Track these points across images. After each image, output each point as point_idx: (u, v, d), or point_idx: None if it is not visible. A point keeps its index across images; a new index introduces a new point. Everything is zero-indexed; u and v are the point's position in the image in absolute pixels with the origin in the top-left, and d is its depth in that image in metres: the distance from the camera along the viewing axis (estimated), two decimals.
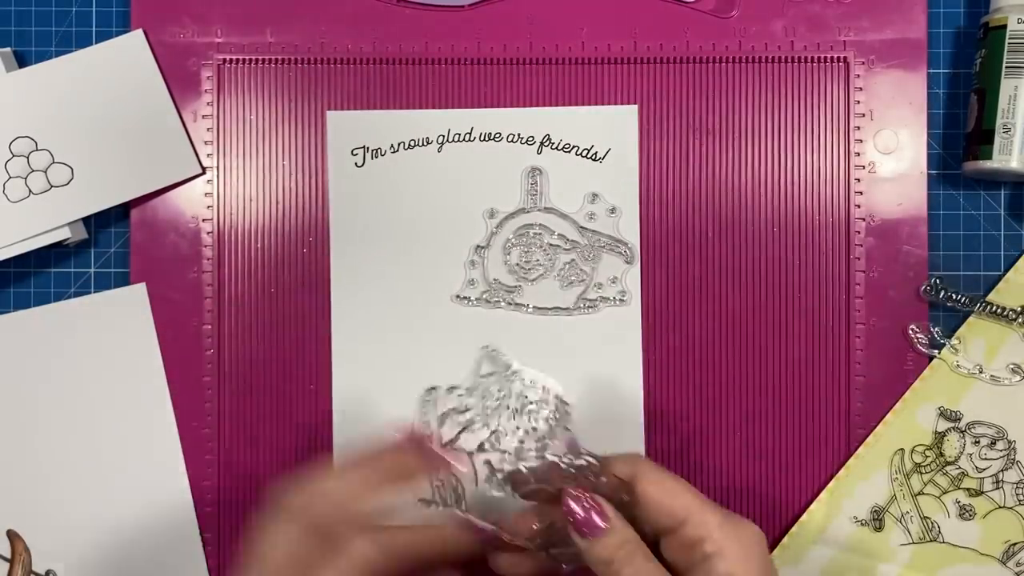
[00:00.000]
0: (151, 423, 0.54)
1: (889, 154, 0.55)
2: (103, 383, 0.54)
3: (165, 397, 0.54)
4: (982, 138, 0.52)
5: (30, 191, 0.53)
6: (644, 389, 0.54)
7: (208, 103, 0.55)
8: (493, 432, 0.42)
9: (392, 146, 0.55)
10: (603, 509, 0.39)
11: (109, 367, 0.54)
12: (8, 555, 0.53)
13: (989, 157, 0.52)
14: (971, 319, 0.54)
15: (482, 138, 0.55)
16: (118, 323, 0.54)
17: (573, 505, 0.39)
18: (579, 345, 0.54)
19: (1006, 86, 0.52)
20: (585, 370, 0.54)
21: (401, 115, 0.55)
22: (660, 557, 0.40)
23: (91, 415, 0.54)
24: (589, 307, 0.54)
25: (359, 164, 0.55)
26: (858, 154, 0.54)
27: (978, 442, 0.54)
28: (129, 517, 0.53)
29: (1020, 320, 0.53)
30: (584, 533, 0.39)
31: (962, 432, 0.54)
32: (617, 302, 0.54)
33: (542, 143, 0.55)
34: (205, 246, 0.55)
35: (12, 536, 0.53)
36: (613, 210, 0.54)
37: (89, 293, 0.55)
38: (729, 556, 0.38)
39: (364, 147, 0.55)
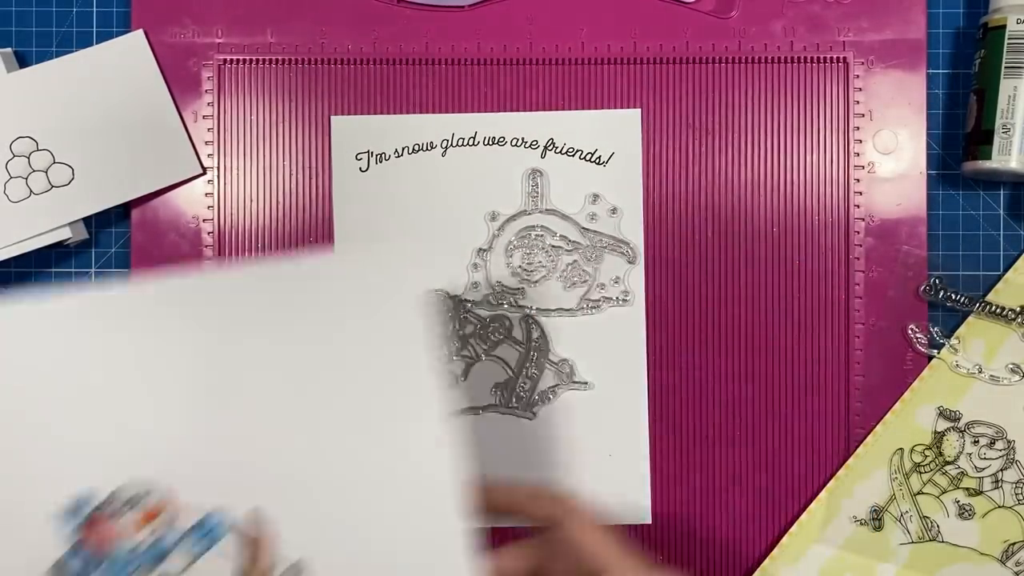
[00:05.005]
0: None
1: (888, 154, 0.55)
2: None
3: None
4: (981, 138, 0.53)
5: (31, 191, 0.54)
6: (647, 388, 0.54)
7: (208, 103, 0.55)
8: None
9: (396, 151, 0.55)
10: None
11: None
12: (249, 538, 0.44)
13: (988, 157, 0.52)
14: (970, 319, 0.54)
15: (486, 142, 0.55)
16: None
17: None
18: (583, 345, 0.54)
19: (1005, 86, 0.52)
20: (589, 370, 0.54)
21: (406, 120, 0.55)
22: None
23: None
24: (592, 308, 0.54)
25: (363, 169, 0.55)
26: (857, 154, 0.55)
27: (977, 442, 0.54)
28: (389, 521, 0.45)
29: (1019, 320, 0.53)
30: None
31: (961, 432, 0.54)
32: (620, 302, 0.54)
33: (546, 147, 0.55)
34: (205, 246, 0.55)
35: (254, 517, 0.44)
36: (614, 210, 0.54)
37: None
38: None
39: (368, 152, 0.55)
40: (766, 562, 0.54)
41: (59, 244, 0.54)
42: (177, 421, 0.43)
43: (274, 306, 0.44)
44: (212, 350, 0.43)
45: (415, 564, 0.44)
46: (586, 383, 0.54)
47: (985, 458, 0.54)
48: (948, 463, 0.54)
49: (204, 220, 0.55)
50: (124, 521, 0.43)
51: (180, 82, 0.55)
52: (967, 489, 0.53)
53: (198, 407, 0.43)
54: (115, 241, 0.56)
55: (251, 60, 0.55)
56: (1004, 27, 0.52)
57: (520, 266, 0.55)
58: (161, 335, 0.43)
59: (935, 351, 0.54)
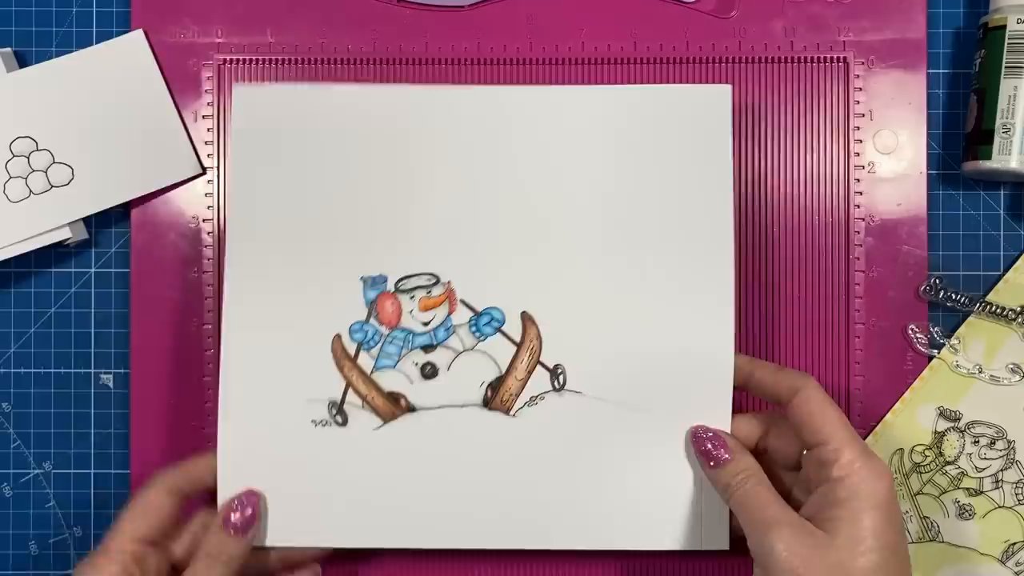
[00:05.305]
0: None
1: (889, 154, 0.55)
2: None
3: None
4: (981, 138, 0.53)
5: (30, 191, 0.54)
6: None
7: (208, 103, 0.55)
8: None
9: None
10: (726, 443, 0.47)
11: None
12: (518, 339, 0.49)
13: (988, 157, 0.52)
14: (971, 319, 0.54)
15: None
16: None
17: (701, 438, 0.47)
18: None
19: (1005, 86, 0.52)
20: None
21: None
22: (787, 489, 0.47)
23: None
24: None
25: None
26: (858, 154, 0.54)
27: (977, 442, 0.54)
28: (660, 341, 0.49)
29: (1020, 320, 0.53)
30: (710, 463, 0.47)
31: (961, 432, 0.54)
32: None
33: None
34: (205, 246, 0.55)
35: (526, 320, 0.49)
36: None
37: (89, 293, 0.55)
38: (852, 485, 0.42)
39: None
40: None
41: (59, 244, 0.54)
42: (468, 223, 0.49)
43: (593, 126, 0.49)
44: (520, 162, 0.49)
45: (678, 392, 0.49)
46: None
47: (985, 458, 0.53)
48: (948, 463, 0.54)
49: (204, 220, 0.55)
50: (410, 303, 0.49)
51: (180, 82, 0.55)
52: (967, 489, 0.53)
53: (489, 212, 0.49)
54: (115, 241, 0.56)
55: (251, 60, 0.55)
56: (1004, 27, 0.52)
57: None
58: (486, 142, 0.49)
59: (935, 351, 0.54)
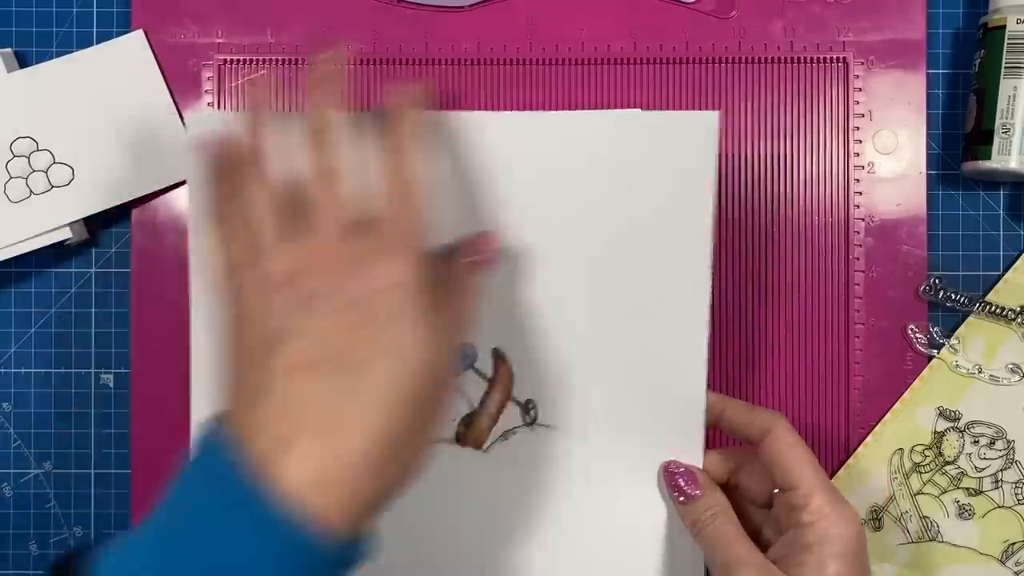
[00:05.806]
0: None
1: (888, 154, 0.55)
2: None
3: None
4: (981, 138, 0.53)
5: (31, 191, 0.54)
6: None
7: (208, 103, 0.55)
8: None
9: None
10: (697, 479, 0.46)
11: None
12: (490, 375, 0.49)
13: (988, 157, 0.52)
14: (970, 319, 0.54)
15: None
16: None
17: (672, 473, 0.47)
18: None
19: (1005, 86, 0.52)
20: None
21: None
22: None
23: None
24: None
25: None
26: (857, 154, 0.55)
27: (977, 442, 0.54)
28: (633, 377, 0.47)
29: (1019, 320, 0.53)
30: (680, 499, 0.46)
31: (961, 432, 0.54)
32: None
33: None
34: None
35: (497, 356, 0.48)
36: None
37: (89, 293, 0.55)
38: (821, 531, 0.42)
39: None
40: None
41: (59, 244, 0.54)
42: None
43: (569, 153, 0.46)
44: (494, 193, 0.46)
45: (650, 428, 0.47)
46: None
47: (985, 458, 0.54)
48: (948, 463, 0.54)
49: None
50: None
51: (180, 82, 0.55)
52: (967, 489, 0.53)
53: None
54: (115, 241, 0.56)
55: (251, 60, 0.55)
56: (1004, 27, 0.52)
57: None
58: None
59: (935, 351, 0.54)
